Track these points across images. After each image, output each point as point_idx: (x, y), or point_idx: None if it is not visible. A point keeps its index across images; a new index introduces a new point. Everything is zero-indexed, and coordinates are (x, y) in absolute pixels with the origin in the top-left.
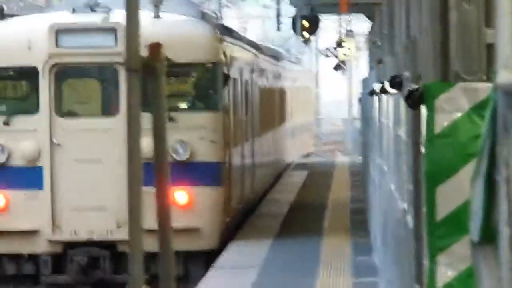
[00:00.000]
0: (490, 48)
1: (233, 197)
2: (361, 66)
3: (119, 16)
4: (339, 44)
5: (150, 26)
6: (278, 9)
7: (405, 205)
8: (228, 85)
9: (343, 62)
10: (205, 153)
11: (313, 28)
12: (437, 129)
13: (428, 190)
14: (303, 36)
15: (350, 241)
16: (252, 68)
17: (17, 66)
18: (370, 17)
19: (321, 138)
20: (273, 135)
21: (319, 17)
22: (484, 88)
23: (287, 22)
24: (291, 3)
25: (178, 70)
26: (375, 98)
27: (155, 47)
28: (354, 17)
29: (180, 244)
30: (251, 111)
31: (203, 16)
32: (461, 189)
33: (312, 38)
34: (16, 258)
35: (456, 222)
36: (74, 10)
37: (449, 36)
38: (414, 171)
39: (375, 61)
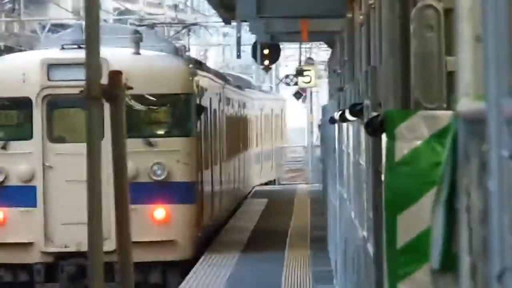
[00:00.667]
0: (451, 76)
1: (205, 214)
2: (321, 94)
3: (103, 53)
4: (300, 72)
5: (131, 61)
6: (238, 37)
7: (366, 233)
8: (200, 114)
9: (303, 89)
10: (180, 174)
11: (274, 56)
12: (398, 157)
13: (389, 218)
14: (263, 64)
15: (311, 269)
16: (220, 98)
17: (13, 97)
18: (330, 45)
19: (282, 165)
20: (238, 160)
21: (280, 45)
22: (444, 116)
23: (247, 50)
24: (251, 30)
25: (156, 100)
26: (336, 125)
27: (116, 75)
28: (314, 45)
29: (159, 255)
30: (219, 137)
31: (176, 51)
32: (421, 216)
33: (273, 66)
34: (12, 267)
35: (417, 250)
36: (62, 47)
37: (410, 64)
38: (375, 199)
39: (335, 89)
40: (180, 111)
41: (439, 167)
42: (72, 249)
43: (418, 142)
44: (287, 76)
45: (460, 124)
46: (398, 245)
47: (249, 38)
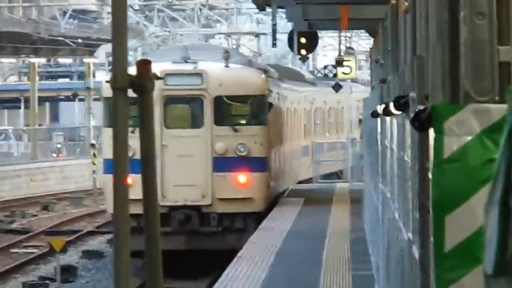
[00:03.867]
0: (503, 66)
1: (272, 180)
2: (361, 86)
3: (203, 66)
4: (339, 62)
5: (222, 71)
6: (274, 25)
7: (411, 235)
8: (270, 110)
9: (343, 81)
10: (257, 151)
11: (311, 45)
12: (446, 153)
13: (436, 219)
14: (300, 54)
15: (351, 274)
16: (278, 96)
17: None
18: (372, 34)
19: (319, 162)
20: (291, 149)
21: (318, 33)
22: (497, 110)
23: (283, 39)
24: (287, 18)
25: (241, 99)
26: (378, 120)
27: (143, 64)
28: (355, 34)
29: (241, 207)
30: (280, 126)
31: (249, 62)
32: (472, 217)
33: (310, 55)
34: (137, 216)
35: (467, 253)
36: (174, 62)
37: (459, 53)
38: (421, 198)
39: (378, 81)
40: (257, 106)
41: (491, 164)
42: (180, 203)
43: (468, 138)
44: (325, 67)
45: None
46: (446, 248)
47: (285, 25)
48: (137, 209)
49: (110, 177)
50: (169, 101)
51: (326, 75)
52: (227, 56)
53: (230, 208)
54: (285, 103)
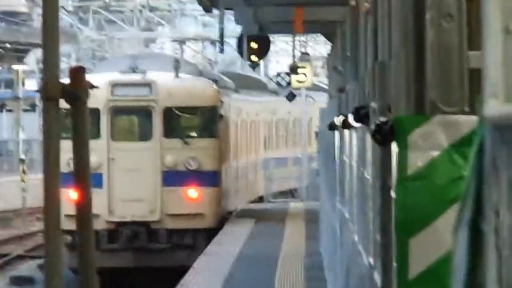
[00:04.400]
0: (474, 74)
1: (224, 195)
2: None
3: (152, 76)
4: (293, 69)
5: (172, 82)
6: (221, 28)
7: (372, 260)
8: (221, 121)
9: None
10: (208, 165)
11: (263, 50)
12: (411, 170)
13: (400, 242)
14: (250, 60)
15: None
16: (229, 107)
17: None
18: (329, 38)
19: (271, 179)
20: (246, 163)
21: (270, 37)
22: (466, 122)
23: (232, 43)
24: (236, 20)
25: (191, 110)
26: (336, 133)
27: (77, 72)
28: (310, 38)
29: (191, 223)
30: (234, 139)
31: (201, 73)
32: (439, 240)
33: (261, 62)
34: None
35: (433, 280)
36: (121, 72)
37: (425, 59)
38: (383, 219)
39: (336, 89)
40: (208, 118)
41: (460, 182)
42: (128, 218)
43: (435, 153)
44: (278, 74)
45: (487, 131)
46: (411, 274)
47: (234, 29)
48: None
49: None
50: (117, 112)
51: (278, 84)
52: (177, 65)
53: (179, 224)
54: (240, 114)
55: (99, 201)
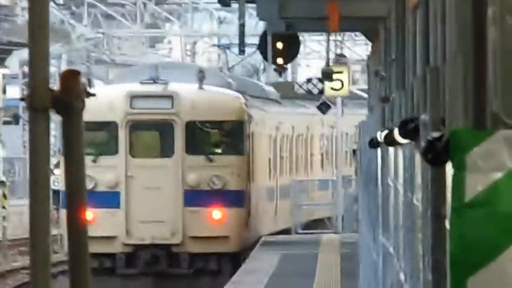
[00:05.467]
0: None
1: (252, 216)
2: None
3: (174, 87)
4: (327, 75)
5: (196, 94)
6: (241, 25)
7: None
8: (250, 136)
9: (331, 100)
10: (234, 184)
11: (291, 51)
12: (469, 196)
13: (456, 282)
14: (275, 63)
15: None
16: (262, 120)
17: (102, 121)
18: (370, 37)
19: (300, 205)
20: (286, 183)
21: (299, 36)
22: None
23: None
24: (259, 16)
25: (216, 125)
26: (378, 150)
27: (70, 76)
28: (348, 37)
29: (216, 247)
30: (262, 156)
31: (229, 85)
32: (504, 280)
33: (289, 66)
34: (99, 256)
35: None
36: (142, 82)
37: (486, 63)
38: (435, 255)
39: (378, 99)
40: (235, 134)
41: None
42: (147, 241)
43: (498, 175)
44: (309, 81)
45: None
46: None
47: (255, 26)
48: (100, 248)
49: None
50: (136, 126)
51: (309, 91)
52: (201, 76)
53: (203, 248)
54: (278, 128)
55: (116, 222)
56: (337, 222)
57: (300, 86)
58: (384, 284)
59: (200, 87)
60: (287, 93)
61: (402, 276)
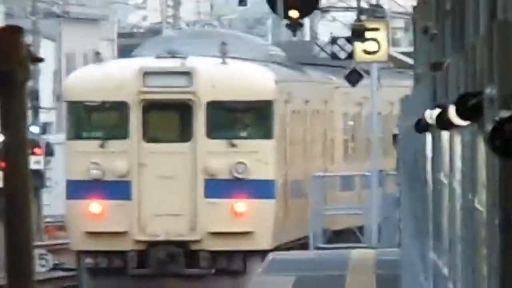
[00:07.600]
0: None
1: (284, 210)
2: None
3: (193, 62)
4: (358, 33)
5: (218, 70)
6: None
7: None
8: (277, 120)
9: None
10: (261, 172)
11: (307, 3)
12: None
13: None
14: (288, 17)
15: None
16: (293, 97)
17: (111, 101)
18: None
19: (320, 210)
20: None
21: None
22: None
23: None
24: None
25: (240, 105)
26: (428, 136)
27: (9, 36)
28: None
29: (240, 244)
30: (297, 140)
31: (270, 58)
32: None
33: (305, 20)
34: (108, 253)
35: None
36: (157, 56)
37: None
38: (504, 276)
39: (428, 66)
40: (262, 115)
41: None
42: (161, 238)
43: None
44: (334, 40)
45: None
46: None
47: None
48: (108, 245)
49: (74, 203)
50: (149, 107)
51: (334, 55)
52: (224, 50)
53: (225, 245)
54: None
55: (126, 216)
56: (371, 233)
57: (322, 49)
58: None
59: (223, 62)
60: (304, 57)
61: None
